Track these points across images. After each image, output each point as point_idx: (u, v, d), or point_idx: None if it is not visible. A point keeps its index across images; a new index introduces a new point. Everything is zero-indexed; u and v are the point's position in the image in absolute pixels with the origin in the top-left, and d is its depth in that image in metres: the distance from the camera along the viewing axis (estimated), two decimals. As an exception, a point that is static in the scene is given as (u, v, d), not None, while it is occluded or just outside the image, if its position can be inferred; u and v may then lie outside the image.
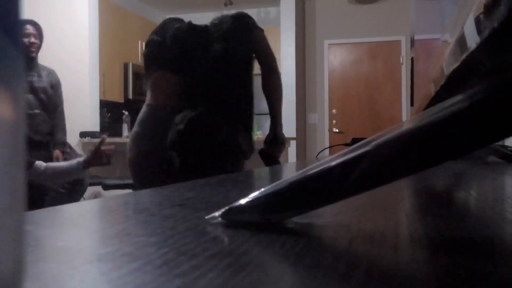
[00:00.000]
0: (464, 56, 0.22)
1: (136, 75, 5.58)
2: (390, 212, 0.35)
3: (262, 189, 0.28)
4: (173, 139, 1.61)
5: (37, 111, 2.68)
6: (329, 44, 6.07)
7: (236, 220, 0.29)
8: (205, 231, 0.27)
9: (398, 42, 5.86)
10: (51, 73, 2.80)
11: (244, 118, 1.74)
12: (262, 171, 0.83)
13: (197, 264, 0.20)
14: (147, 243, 0.24)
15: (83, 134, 4.58)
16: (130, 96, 5.47)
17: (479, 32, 0.18)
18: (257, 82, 1.72)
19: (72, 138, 3.88)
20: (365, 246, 0.24)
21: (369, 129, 5.78)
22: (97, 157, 2.06)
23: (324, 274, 0.19)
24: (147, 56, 1.80)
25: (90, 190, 4.09)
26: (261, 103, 1.83)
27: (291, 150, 5.16)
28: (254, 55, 1.76)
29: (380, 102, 5.93)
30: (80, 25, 4.65)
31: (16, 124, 0.11)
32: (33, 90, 2.63)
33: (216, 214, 0.30)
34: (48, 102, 2.74)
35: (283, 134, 1.82)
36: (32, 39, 2.62)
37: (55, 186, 2.55)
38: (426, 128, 0.22)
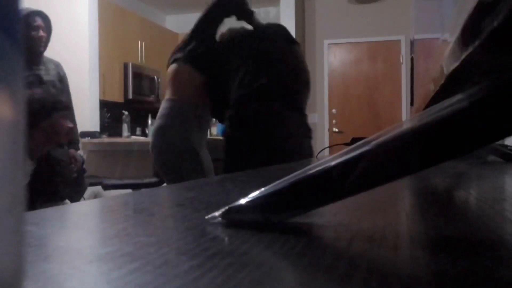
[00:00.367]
0: (464, 56, 0.22)
1: (136, 75, 5.58)
2: (390, 212, 0.35)
3: (262, 189, 0.28)
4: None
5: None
6: (329, 44, 6.07)
7: (236, 220, 0.29)
8: (205, 231, 0.27)
9: (398, 42, 5.86)
10: (58, 65, 2.66)
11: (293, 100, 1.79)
12: (262, 171, 0.83)
13: (197, 264, 0.20)
14: (147, 243, 0.24)
15: (83, 134, 4.58)
16: (130, 96, 5.47)
17: (479, 32, 0.18)
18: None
19: (72, 138, 3.87)
20: (365, 246, 0.24)
21: (369, 129, 5.77)
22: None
23: (324, 274, 0.19)
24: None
25: (90, 190, 4.09)
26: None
27: (291, 150, 5.14)
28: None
29: (380, 101, 5.92)
30: (80, 25, 4.65)
31: (16, 124, 0.11)
32: (41, 83, 2.49)
33: (216, 214, 0.30)
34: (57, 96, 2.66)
35: None
36: (41, 33, 2.49)
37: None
38: (426, 128, 0.22)
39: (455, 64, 0.25)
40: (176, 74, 1.83)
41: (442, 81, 0.33)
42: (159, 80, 5.94)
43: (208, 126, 2.00)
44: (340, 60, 6.05)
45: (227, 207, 0.29)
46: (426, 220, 0.31)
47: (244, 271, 0.19)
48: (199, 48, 1.84)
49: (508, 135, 0.21)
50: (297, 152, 1.71)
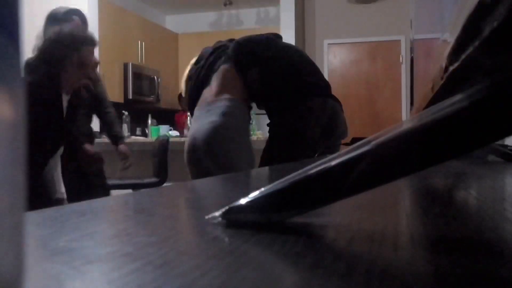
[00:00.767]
0: (464, 56, 0.22)
1: (136, 75, 5.58)
2: (390, 212, 0.35)
3: (262, 189, 0.28)
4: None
5: (82, 111, 2.44)
6: (328, 43, 6.07)
7: (236, 220, 0.29)
8: (205, 231, 0.27)
9: (398, 41, 5.86)
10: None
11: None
12: (262, 171, 0.83)
13: (197, 264, 0.20)
14: (147, 243, 0.24)
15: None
16: (130, 96, 5.47)
17: (479, 32, 0.18)
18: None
19: (72, 138, 3.87)
20: (365, 246, 0.24)
21: (369, 129, 5.77)
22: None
23: (324, 273, 0.19)
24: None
25: (90, 190, 4.08)
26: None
27: (291, 150, 5.15)
28: None
29: (380, 101, 5.92)
30: (80, 25, 4.65)
31: (16, 124, 0.11)
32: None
33: (216, 214, 0.30)
34: (91, 96, 2.57)
35: None
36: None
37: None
38: (426, 128, 0.22)
39: (455, 64, 0.25)
40: (232, 74, 1.89)
41: (442, 81, 0.33)
42: (159, 80, 5.94)
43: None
44: (340, 60, 6.05)
45: (227, 207, 0.29)
46: (426, 220, 0.31)
47: (244, 271, 0.19)
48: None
49: (508, 135, 0.21)
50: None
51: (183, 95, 2.05)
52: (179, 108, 2.96)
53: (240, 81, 1.89)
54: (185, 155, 1.84)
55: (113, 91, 5.31)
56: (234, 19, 6.91)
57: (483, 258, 0.21)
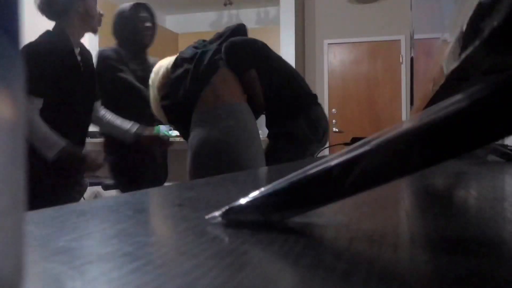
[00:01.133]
0: (464, 56, 0.22)
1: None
2: (390, 212, 0.35)
3: (262, 189, 0.28)
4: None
5: None
6: (328, 43, 6.07)
7: (236, 219, 0.29)
8: (205, 231, 0.27)
9: (398, 41, 5.86)
10: (156, 61, 2.39)
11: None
12: (262, 171, 0.83)
13: (197, 263, 0.20)
14: (147, 243, 0.24)
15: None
16: (130, 96, 5.46)
17: (479, 31, 0.18)
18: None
19: (72, 138, 3.86)
20: (365, 246, 0.24)
21: (369, 129, 5.78)
22: (79, 159, 1.92)
23: (324, 273, 0.19)
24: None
25: (90, 190, 4.09)
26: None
27: (291, 150, 5.16)
28: None
29: (380, 101, 5.93)
30: (80, 25, 4.64)
31: (16, 124, 0.11)
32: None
33: (216, 213, 0.30)
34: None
35: None
36: (147, 24, 2.45)
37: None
38: (426, 127, 0.22)
39: (455, 64, 0.25)
40: (233, 76, 1.93)
41: (442, 81, 0.33)
42: (159, 80, 5.93)
43: None
44: (340, 60, 6.05)
45: (227, 207, 0.29)
46: (426, 220, 0.31)
47: (244, 271, 0.19)
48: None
49: (508, 135, 0.21)
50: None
51: (156, 102, 1.99)
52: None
53: (241, 84, 1.92)
54: (192, 161, 1.83)
55: (113, 91, 5.31)
56: (234, 19, 6.91)
57: (483, 258, 0.21)
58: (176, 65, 1.94)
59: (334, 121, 5.97)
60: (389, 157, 0.24)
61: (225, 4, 6.24)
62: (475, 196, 0.45)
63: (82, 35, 2.07)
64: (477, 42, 0.19)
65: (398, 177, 0.24)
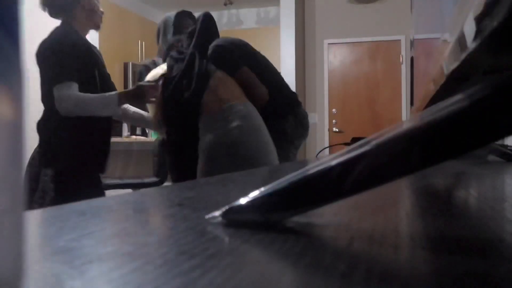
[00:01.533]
0: (464, 56, 0.22)
1: (136, 75, 5.58)
2: (390, 212, 0.35)
3: (262, 189, 0.28)
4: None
5: None
6: (328, 43, 6.07)
7: (236, 219, 0.29)
8: (205, 230, 0.27)
9: (398, 41, 5.86)
10: (150, 61, 2.54)
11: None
12: (262, 171, 0.83)
13: (197, 263, 0.20)
14: (147, 243, 0.24)
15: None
16: (130, 96, 5.46)
17: (479, 31, 0.18)
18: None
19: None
20: (365, 246, 0.24)
21: (369, 129, 5.77)
22: (136, 92, 1.98)
23: (324, 273, 0.19)
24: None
25: (90, 189, 4.08)
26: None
27: (291, 150, 5.16)
28: None
29: (380, 101, 5.92)
30: (80, 24, 4.64)
31: (16, 124, 0.11)
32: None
33: (216, 213, 0.30)
34: None
35: None
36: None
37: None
38: (426, 128, 0.22)
39: (455, 64, 0.25)
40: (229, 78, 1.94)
41: (442, 81, 0.33)
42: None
43: None
44: (340, 60, 6.05)
45: (227, 207, 0.29)
46: (426, 220, 0.31)
47: (244, 271, 0.19)
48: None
49: (508, 135, 0.21)
50: None
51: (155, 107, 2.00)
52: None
53: (238, 83, 1.93)
54: (205, 166, 1.83)
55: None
56: (234, 19, 6.91)
57: (483, 258, 0.21)
58: (171, 67, 1.96)
59: (334, 121, 5.97)
60: (389, 157, 0.24)
61: (225, 4, 6.24)
62: (475, 196, 0.45)
63: (87, 31, 2.14)
64: (477, 42, 0.19)
65: (398, 177, 0.24)
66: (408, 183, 0.56)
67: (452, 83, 0.31)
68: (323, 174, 0.26)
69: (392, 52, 5.90)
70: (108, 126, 2.16)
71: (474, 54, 0.20)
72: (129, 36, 5.71)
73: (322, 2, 6.06)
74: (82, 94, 1.93)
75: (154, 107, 2.02)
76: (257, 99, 1.96)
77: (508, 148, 1.08)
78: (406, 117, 5.77)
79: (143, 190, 0.49)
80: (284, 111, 2.02)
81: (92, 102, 1.92)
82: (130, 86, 5.50)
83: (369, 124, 5.89)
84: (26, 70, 0.12)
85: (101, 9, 2.13)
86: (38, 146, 2.04)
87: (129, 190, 3.27)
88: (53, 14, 2.06)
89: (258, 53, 2.07)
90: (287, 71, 5.38)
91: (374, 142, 0.24)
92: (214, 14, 2.15)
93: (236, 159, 1.78)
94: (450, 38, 0.28)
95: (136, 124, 2.36)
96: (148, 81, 2.01)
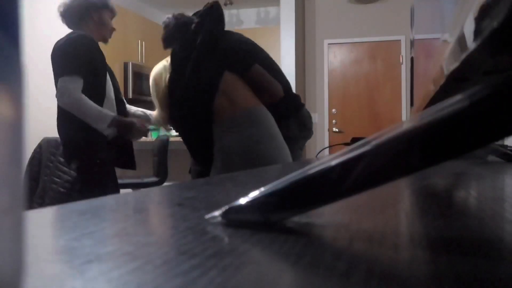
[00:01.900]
0: (464, 56, 0.22)
1: (136, 75, 5.58)
2: (390, 212, 0.35)
3: (262, 189, 0.28)
4: None
5: None
6: (328, 43, 6.07)
7: (236, 219, 0.29)
8: (205, 230, 0.27)
9: (398, 41, 5.86)
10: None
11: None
12: (262, 171, 0.83)
13: (197, 263, 0.20)
14: (147, 243, 0.24)
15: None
16: (130, 96, 5.46)
17: (479, 32, 0.18)
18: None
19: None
20: (365, 246, 0.24)
21: (369, 129, 5.77)
22: (128, 127, 2.10)
23: (324, 273, 0.19)
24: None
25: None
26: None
27: (291, 150, 5.16)
28: None
29: (380, 101, 5.92)
30: (80, 24, 4.64)
31: (16, 124, 0.11)
32: None
33: (216, 213, 0.30)
34: None
35: None
36: None
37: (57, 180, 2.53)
38: (426, 128, 0.22)
39: (455, 65, 0.25)
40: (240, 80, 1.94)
41: (442, 82, 0.33)
42: (159, 79, 5.93)
43: None
44: (340, 60, 6.05)
45: (227, 207, 0.29)
46: (426, 220, 0.31)
47: (244, 271, 0.19)
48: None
49: (508, 135, 0.21)
50: None
51: (160, 103, 2.01)
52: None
53: (249, 85, 1.93)
54: (223, 172, 1.83)
55: (113, 91, 5.32)
56: (234, 19, 6.90)
57: (483, 258, 0.21)
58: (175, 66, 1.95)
59: (334, 121, 5.97)
60: (389, 157, 0.24)
61: (225, 4, 6.23)
62: (475, 196, 0.45)
63: (101, 36, 2.29)
64: (477, 43, 0.19)
65: (398, 177, 0.24)
66: (408, 183, 0.56)
67: (452, 83, 0.31)
68: (323, 174, 0.26)
69: (392, 52, 5.90)
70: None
71: (474, 55, 0.20)
72: (129, 36, 5.71)
73: (322, 2, 6.06)
74: (84, 97, 2.00)
75: (159, 107, 2.03)
76: (272, 95, 1.94)
77: (508, 148, 1.08)
78: (406, 117, 5.77)
79: (143, 190, 0.49)
80: (289, 112, 2.03)
81: (87, 111, 2.01)
82: (130, 86, 5.50)
83: (369, 124, 5.89)
84: (26, 70, 0.12)
85: (113, 26, 2.29)
86: (61, 143, 2.17)
87: (129, 190, 3.26)
88: (69, 24, 2.20)
89: (264, 51, 2.06)
90: (287, 71, 5.37)
91: (374, 142, 0.24)
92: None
93: (253, 166, 1.77)
94: (450, 38, 0.28)
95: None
96: (140, 116, 2.18)
